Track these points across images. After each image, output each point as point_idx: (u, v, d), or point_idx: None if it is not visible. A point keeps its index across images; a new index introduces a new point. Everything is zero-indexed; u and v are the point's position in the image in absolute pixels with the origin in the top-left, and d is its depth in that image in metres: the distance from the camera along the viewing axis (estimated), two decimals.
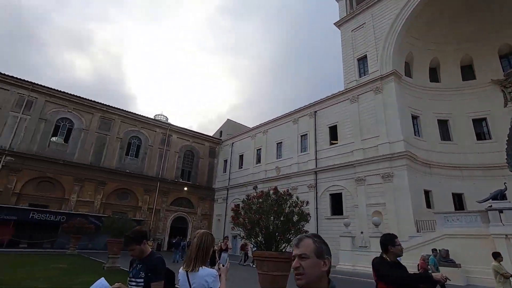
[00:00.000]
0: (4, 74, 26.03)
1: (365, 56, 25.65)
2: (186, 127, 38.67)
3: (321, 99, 27.84)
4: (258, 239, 5.38)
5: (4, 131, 25.23)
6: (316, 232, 21.51)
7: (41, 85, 27.72)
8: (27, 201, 25.40)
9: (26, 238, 23.83)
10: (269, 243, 5.36)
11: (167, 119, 42.24)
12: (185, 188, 35.10)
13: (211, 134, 44.26)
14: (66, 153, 28.17)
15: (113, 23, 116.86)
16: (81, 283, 9.98)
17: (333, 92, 26.96)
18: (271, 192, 5.39)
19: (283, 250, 5.23)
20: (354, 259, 18.61)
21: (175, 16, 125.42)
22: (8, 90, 26.08)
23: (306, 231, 5.35)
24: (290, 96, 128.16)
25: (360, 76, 25.68)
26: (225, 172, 37.61)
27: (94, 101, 30.69)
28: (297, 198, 5.34)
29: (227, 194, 35.56)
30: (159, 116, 42.04)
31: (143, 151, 33.23)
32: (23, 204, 24.95)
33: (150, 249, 2.99)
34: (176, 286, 3.06)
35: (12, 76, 26.43)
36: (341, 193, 23.59)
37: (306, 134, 28.33)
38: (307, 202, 5.38)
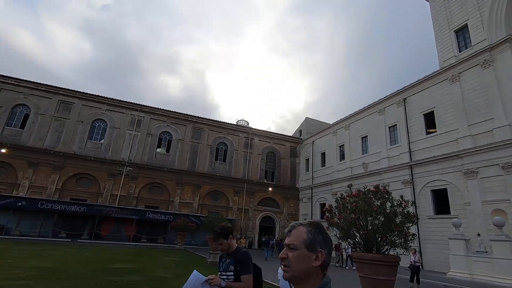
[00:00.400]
0: (121, 100, 32.11)
1: (465, 26, 21.64)
2: (265, 130, 40.10)
3: (411, 84, 24.75)
4: (356, 240, 5.14)
5: (123, 147, 31.01)
6: (417, 233, 19.17)
7: (146, 106, 33.09)
8: (144, 203, 30.51)
9: (145, 234, 28.66)
10: (368, 244, 5.05)
11: (248, 123, 44.50)
12: (270, 189, 36.23)
13: (290, 134, 44.59)
14: (168, 161, 32.72)
15: (196, 42, 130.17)
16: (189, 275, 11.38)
17: (425, 74, 23.60)
18: (368, 189, 5.05)
19: (386, 252, 4.85)
20: (471, 266, 15.76)
21: (247, 25, 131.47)
22: (123, 113, 32.00)
23: (413, 234, 4.83)
24: (370, 87, 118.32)
25: (460, 51, 21.80)
26: (308, 171, 37.25)
27: (186, 114, 34.80)
28: (401, 198, 4.85)
29: (312, 193, 35.11)
30: (241, 121, 44.64)
31: (230, 155, 35.84)
32: (140, 206, 30.07)
33: (236, 245, 3.15)
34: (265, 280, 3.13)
35: (126, 101, 32.38)
36: (445, 189, 20.39)
37: (395, 124, 25.62)
38: (413, 202, 4.78)
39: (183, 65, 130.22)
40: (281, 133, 42.73)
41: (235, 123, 39.98)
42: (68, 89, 30.49)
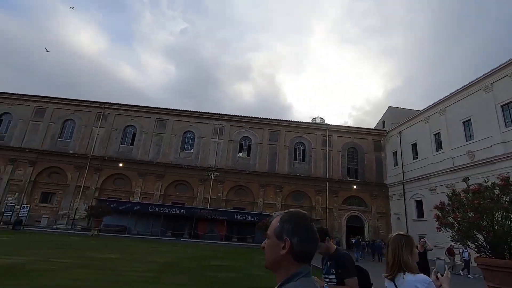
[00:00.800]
0: (204, 112, 35.49)
1: None
2: (343, 125, 38.18)
3: None
4: (479, 243, 4.38)
5: (210, 154, 34.03)
6: None
7: (226, 114, 35.65)
8: (231, 205, 32.75)
9: (235, 234, 30.66)
10: (496, 248, 4.24)
11: (323, 120, 43.19)
12: (354, 186, 34.22)
13: (372, 127, 41.29)
14: (250, 164, 34.37)
15: (264, 47, 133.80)
16: None
17: None
18: (493, 183, 4.23)
19: None
20: None
21: (313, 19, 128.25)
22: (207, 123, 35.17)
23: None
24: (465, 64, 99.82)
25: None
26: (397, 166, 33.73)
27: (262, 118, 36.00)
28: None
29: (404, 189, 31.62)
30: (316, 119, 43.65)
31: (308, 155, 35.38)
32: (229, 208, 32.36)
33: (335, 246, 3.02)
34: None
35: (208, 112, 35.59)
36: None
37: (511, 101, 20.96)
38: None
39: (254, 71, 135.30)
40: (361, 126, 40.00)
41: (310, 121, 39.34)
42: (162, 108, 35.36)
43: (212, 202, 32.13)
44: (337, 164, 35.32)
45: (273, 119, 36.17)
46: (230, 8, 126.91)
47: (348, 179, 35.06)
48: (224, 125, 35.29)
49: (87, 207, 28.33)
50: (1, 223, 26.39)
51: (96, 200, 30.02)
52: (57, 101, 34.51)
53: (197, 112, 35.70)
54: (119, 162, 32.43)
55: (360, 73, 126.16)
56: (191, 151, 34.45)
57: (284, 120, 36.56)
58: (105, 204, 27.00)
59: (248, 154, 35.00)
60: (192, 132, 34.97)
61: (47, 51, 39.82)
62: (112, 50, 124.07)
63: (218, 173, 33.21)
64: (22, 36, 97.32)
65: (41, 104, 34.12)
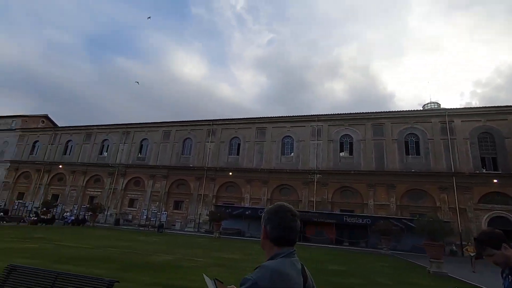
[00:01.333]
0: (300, 115, 35.91)
1: None
2: (467, 106, 31.36)
3: None
4: None
5: (310, 156, 33.80)
6: None
7: (322, 115, 34.93)
8: (338, 207, 31.41)
9: (346, 237, 29.19)
10: None
11: (439, 105, 36.79)
12: (494, 180, 27.45)
13: (510, 104, 32.48)
14: (353, 164, 32.33)
15: (353, 38, 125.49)
16: (415, 284, 10.22)
17: None
18: None
19: None
20: None
21: None
22: (304, 126, 35.19)
23: None
24: None
25: None
26: None
27: (362, 113, 33.49)
28: None
29: None
30: (429, 104, 37.61)
31: (424, 147, 30.65)
32: (336, 210, 31.14)
33: None
34: None
35: (304, 115, 35.77)
36: None
37: None
38: None
39: (344, 66, 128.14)
40: (494, 105, 32.03)
41: (421, 109, 34.12)
42: (260, 117, 37.51)
43: (318, 205, 31.63)
44: (465, 154, 29.25)
45: (375, 112, 33.09)
46: (312, 9, 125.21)
47: (484, 171, 28.49)
48: (322, 125, 34.49)
49: (207, 212, 32.56)
50: (150, 227, 33.22)
51: (214, 206, 34.09)
52: (177, 124, 41.26)
53: (293, 116, 36.24)
54: (229, 171, 35.94)
55: (481, 41, 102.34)
56: (291, 155, 35.05)
57: (388, 112, 32.92)
58: (222, 209, 30.33)
59: (351, 153, 33.01)
60: (290, 136, 35.59)
61: (137, 83, 49.53)
62: (212, 73, 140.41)
63: (320, 175, 32.56)
64: (149, 76, 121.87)
65: (167, 128, 41.47)
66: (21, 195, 44.43)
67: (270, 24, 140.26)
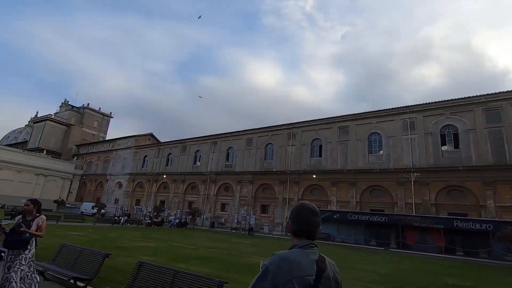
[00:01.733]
0: (387, 109, 32.60)
1: None
2: None
3: None
4: None
5: (403, 153, 30.19)
6: None
7: (415, 105, 30.88)
8: (446, 210, 26.93)
9: (458, 245, 24.63)
10: None
11: None
12: None
13: None
14: (460, 158, 27.39)
15: (443, 12, 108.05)
16: None
17: None
18: None
19: None
20: None
21: None
22: (393, 120, 31.76)
23: None
24: None
25: None
26: None
27: (467, 97, 28.19)
28: None
29: None
30: None
31: None
32: (442, 214, 26.77)
33: None
34: None
35: (392, 108, 32.27)
36: None
37: None
38: None
39: (435, 47, 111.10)
40: None
41: None
42: (341, 116, 35.63)
43: (419, 208, 27.85)
44: None
45: (488, 94, 27.32)
46: None
47: None
48: (415, 117, 30.44)
49: None
50: (241, 230, 35.19)
51: None
52: (258, 131, 42.84)
53: (379, 111, 33.15)
54: (312, 174, 35.16)
55: None
56: (380, 153, 32.01)
57: (507, 91, 26.74)
58: None
59: (456, 146, 28.05)
60: (378, 133, 32.59)
61: (200, 97, 51.72)
62: (286, 78, 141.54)
63: (418, 174, 28.68)
64: (230, 89, 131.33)
65: (249, 136, 43.53)
66: (137, 202, 53.47)
67: (343, 18, 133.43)
